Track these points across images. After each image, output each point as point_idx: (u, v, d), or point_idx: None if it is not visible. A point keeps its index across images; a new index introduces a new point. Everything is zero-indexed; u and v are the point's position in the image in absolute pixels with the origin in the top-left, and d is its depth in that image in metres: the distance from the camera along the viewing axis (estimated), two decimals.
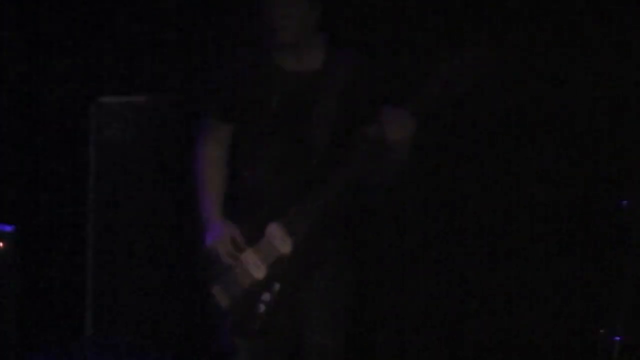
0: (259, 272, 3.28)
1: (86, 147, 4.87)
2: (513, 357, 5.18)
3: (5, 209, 4.77)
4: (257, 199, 3.33)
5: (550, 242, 5.14)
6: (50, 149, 4.93)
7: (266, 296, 3.27)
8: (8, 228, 4.19)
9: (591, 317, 5.10)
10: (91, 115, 4.87)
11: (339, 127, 3.27)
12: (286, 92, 3.29)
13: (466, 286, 5.22)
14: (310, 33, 3.27)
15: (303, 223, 3.24)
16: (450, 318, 5.23)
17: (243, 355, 3.37)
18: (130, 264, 5.22)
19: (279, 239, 3.25)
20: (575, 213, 5.09)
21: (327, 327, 3.36)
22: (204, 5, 4.83)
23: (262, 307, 3.28)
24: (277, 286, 3.27)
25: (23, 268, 4.23)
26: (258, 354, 3.36)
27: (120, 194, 5.15)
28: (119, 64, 4.94)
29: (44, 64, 4.87)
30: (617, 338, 4.82)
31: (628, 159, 4.89)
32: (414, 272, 5.06)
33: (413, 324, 5.18)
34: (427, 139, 4.69)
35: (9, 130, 4.83)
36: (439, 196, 5.12)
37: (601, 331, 4.86)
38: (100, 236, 5.13)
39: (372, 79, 3.28)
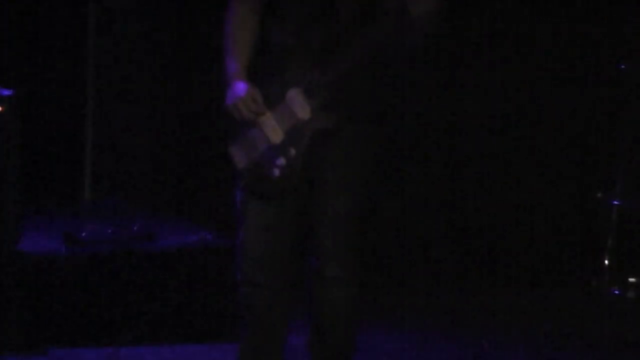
0: (275, 136, 3.31)
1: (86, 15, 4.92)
2: (514, 227, 5.46)
3: (5, 74, 4.78)
4: (281, 64, 3.34)
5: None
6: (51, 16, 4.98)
7: (281, 161, 3.30)
8: (7, 92, 4.20)
9: (590, 182, 5.30)
10: None
11: None
12: None
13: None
14: None
15: (323, 90, 3.28)
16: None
17: (254, 219, 3.39)
18: (130, 128, 5.27)
19: (298, 104, 3.29)
20: None
21: (342, 192, 3.38)
22: None
23: (276, 172, 3.31)
24: (292, 152, 3.29)
25: (22, 132, 4.26)
26: (269, 218, 3.38)
27: (121, 60, 5.19)
28: None
29: None
30: (616, 202, 4.95)
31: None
32: None
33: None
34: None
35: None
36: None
37: (599, 195, 4.98)
38: (100, 101, 5.18)
39: None
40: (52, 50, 5.10)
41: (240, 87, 3.33)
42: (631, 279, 4.99)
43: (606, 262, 5.00)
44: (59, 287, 4.11)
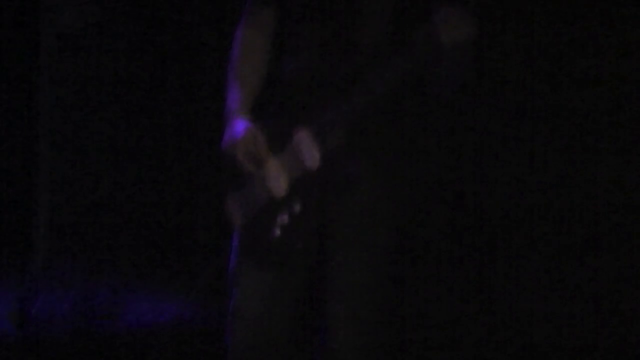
0: (278, 188, 3.11)
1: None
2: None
3: None
4: (290, 99, 3.18)
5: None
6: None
7: (284, 218, 3.09)
8: None
9: None
10: None
11: (392, 23, 3.14)
12: None
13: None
14: None
15: (337, 132, 3.07)
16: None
17: (249, 288, 3.16)
18: (91, 176, 5.22)
19: (307, 149, 3.08)
20: None
21: (359, 258, 3.15)
22: None
23: (277, 231, 3.09)
24: (297, 207, 3.09)
25: None
26: (268, 287, 3.15)
27: (78, 106, 5.19)
28: None
29: None
30: None
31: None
32: None
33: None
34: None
35: None
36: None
37: None
38: (54, 156, 5.15)
39: None
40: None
41: (240, 127, 3.15)
42: None
43: None
44: None
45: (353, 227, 3.15)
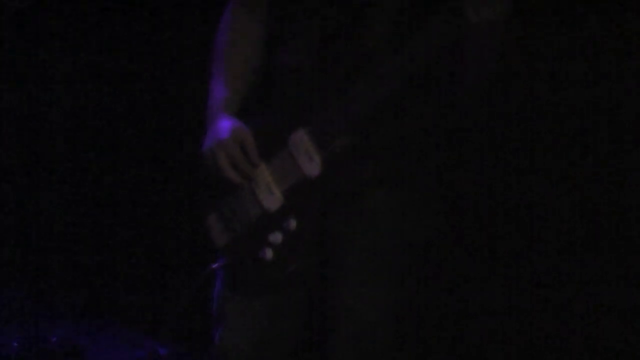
0: (270, 201, 2.91)
1: None
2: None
3: None
4: (286, 94, 3.00)
5: None
6: None
7: (276, 237, 2.90)
8: None
9: None
10: None
11: (404, 8, 2.95)
12: None
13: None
14: None
15: (342, 133, 2.89)
16: None
17: (236, 322, 2.98)
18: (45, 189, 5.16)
19: (305, 154, 2.91)
20: None
21: (366, 286, 2.97)
22: None
23: (268, 253, 2.91)
24: (293, 224, 2.91)
25: None
26: (258, 321, 2.98)
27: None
28: None
29: None
30: None
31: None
32: None
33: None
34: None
35: None
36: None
37: None
38: None
39: None
40: None
41: (224, 126, 2.96)
42: None
43: None
44: None
45: (361, 243, 2.97)
